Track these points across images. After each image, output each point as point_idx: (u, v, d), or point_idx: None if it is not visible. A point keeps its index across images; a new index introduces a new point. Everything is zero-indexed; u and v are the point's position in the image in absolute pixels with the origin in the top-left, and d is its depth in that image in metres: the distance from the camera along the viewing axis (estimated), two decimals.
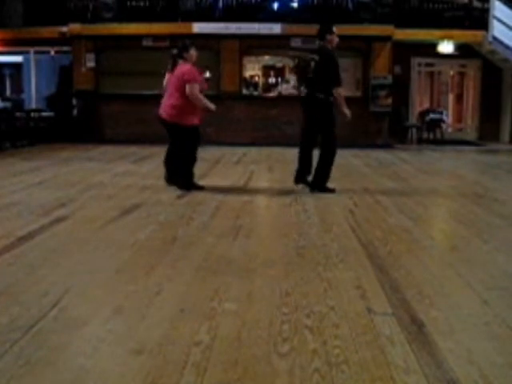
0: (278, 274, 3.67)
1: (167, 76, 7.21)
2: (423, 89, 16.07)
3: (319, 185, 6.87)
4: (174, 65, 6.91)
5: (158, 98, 7.36)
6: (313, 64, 6.80)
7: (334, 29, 6.86)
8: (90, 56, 14.03)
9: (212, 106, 6.87)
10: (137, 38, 13.70)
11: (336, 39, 6.86)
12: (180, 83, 6.70)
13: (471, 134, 15.65)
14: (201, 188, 6.96)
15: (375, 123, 13.87)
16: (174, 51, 7.04)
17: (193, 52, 6.89)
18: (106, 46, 14.04)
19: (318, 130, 6.83)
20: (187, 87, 6.63)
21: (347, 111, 6.77)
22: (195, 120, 6.85)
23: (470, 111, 15.83)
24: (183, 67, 6.78)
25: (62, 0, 13.94)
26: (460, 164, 11.08)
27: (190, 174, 6.98)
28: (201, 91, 6.83)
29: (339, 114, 6.82)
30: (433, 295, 3.30)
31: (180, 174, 6.96)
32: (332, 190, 6.84)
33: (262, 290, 3.36)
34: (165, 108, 6.89)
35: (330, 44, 6.82)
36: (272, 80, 15.50)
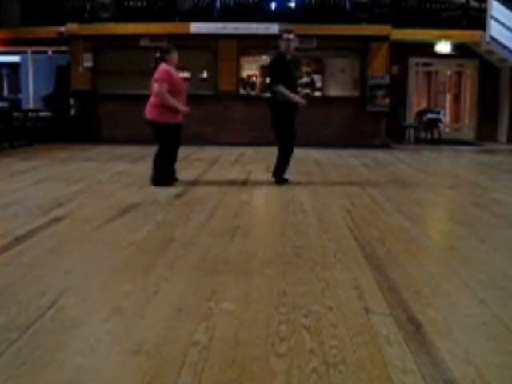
0: (275, 274, 3.67)
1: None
2: (421, 89, 16.08)
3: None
4: (155, 67, 7.15)
5: None
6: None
7: (292, 32, 7.34)
8: (87, 56, 14.02)
9: (182, 108, 7.11)
10: (134, 38, 13.70)
11: (291, 42, 7.27)
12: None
13: (469, 133, 15.66)
14: (172, 183, 7.20)
15: (373, 123, 13.86)
16: (157, 54, 7.31)
17: (174, 55, 7.14)
18: (104, 45, 14.02)
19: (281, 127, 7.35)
20: (155, 86, 6.95)
21: (299, 99, 7.25)
22: (175, 119, 7.09)
23: (468, 111, 15.84)
24: (159, 68, 7.05)
25: (60, 0, 13.93)
26: (457, 164, 11.09)
27: (165, 171, 7.20)
28: (179, 91, 7.07)
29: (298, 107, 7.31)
30: (430, 295, 3.30)
31: (155, 170, 7.17)
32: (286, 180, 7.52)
33: (259, 290, 3.35)
34: (147, 108, 7.17)
35: (285, 43, 7.24)
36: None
